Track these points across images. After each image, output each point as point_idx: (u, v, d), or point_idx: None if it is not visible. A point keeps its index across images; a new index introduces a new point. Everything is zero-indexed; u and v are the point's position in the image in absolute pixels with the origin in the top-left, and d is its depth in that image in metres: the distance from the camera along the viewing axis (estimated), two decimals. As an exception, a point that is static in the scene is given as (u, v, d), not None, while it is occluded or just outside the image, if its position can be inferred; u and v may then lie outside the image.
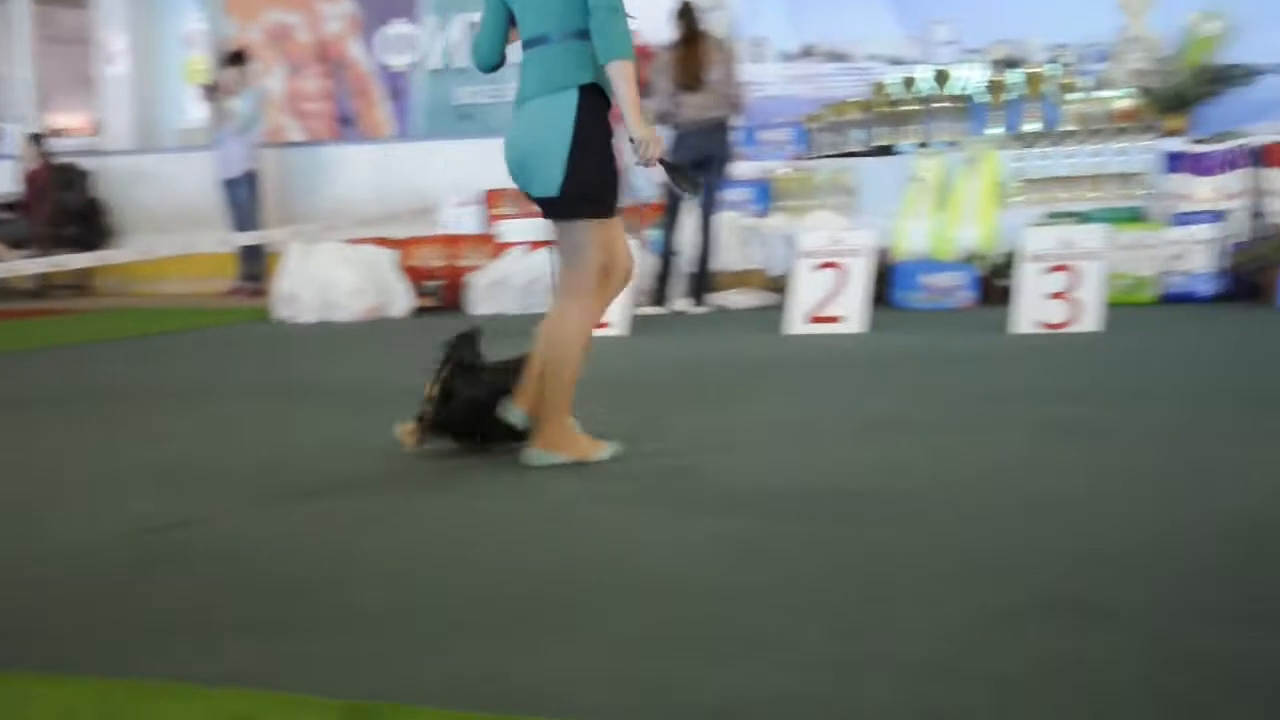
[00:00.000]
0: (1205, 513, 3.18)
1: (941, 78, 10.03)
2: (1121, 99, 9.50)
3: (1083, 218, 8.55)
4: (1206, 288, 7.93)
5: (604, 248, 3.96)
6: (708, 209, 8.52)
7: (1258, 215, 8.23)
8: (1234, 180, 8.28)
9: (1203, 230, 8.00)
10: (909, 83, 10.09)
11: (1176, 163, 8.59)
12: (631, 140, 3.90)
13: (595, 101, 3.89)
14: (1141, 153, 8.83)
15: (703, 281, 8.72)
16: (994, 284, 8.27)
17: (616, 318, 7.43)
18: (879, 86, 10.23)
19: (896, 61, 10.78)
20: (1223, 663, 2.21)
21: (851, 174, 9.60)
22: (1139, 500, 3.36)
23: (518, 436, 4.05)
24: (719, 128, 8.57)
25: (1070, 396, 4.93)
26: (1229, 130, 8.76)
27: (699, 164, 8.16)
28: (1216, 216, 8.14)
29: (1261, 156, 8.30)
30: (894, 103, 10.05)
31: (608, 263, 3.97)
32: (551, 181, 3.90)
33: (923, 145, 9.74)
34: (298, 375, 6.70)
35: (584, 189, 3.90)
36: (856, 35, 11.06)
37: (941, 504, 3.40)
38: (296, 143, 13.23)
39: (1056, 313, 6.94)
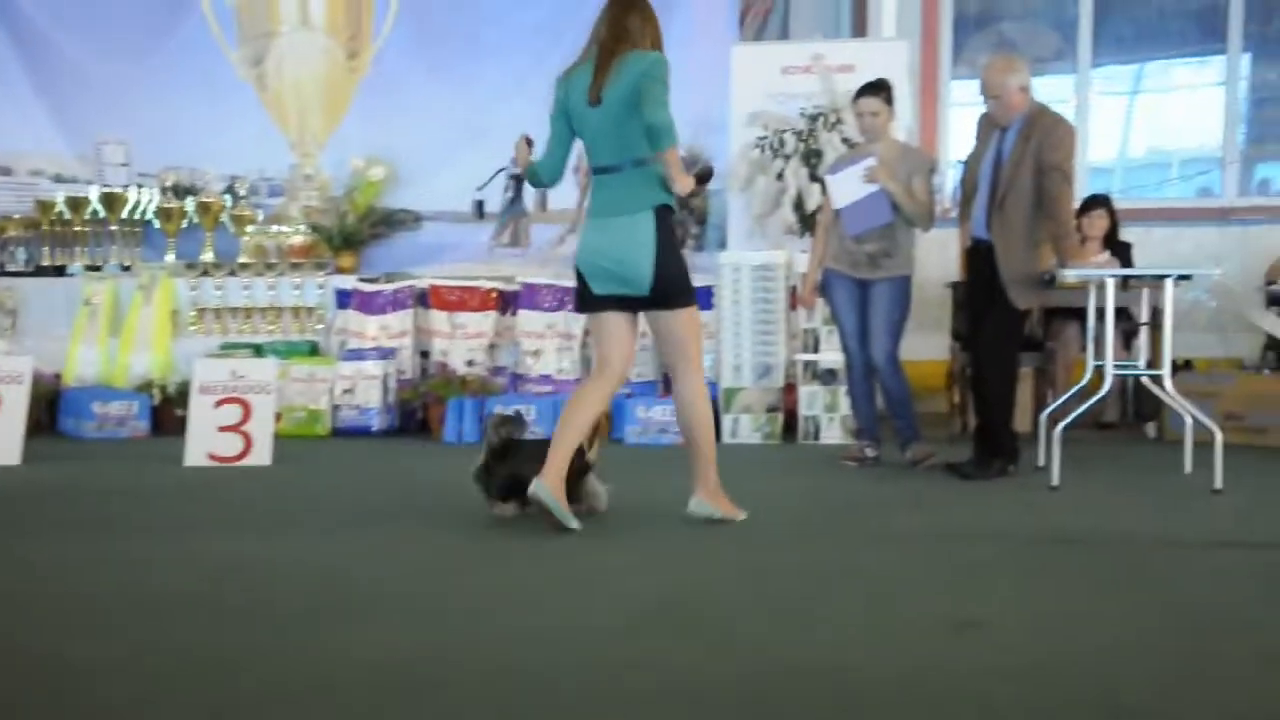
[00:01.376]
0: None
1: (113, 200, 9.69)
2: (295, 235, 9.69)
3: (257, 350, 8.58)
4: (377, 422, 8.20)
5: (696, 331, 4.99)
6: None
7: (423, 354, 8.66)
8: (400, 319, 8.66)
9: (372, 366, 8.29)
10: (77, 203, 9.65)
11: (347, 299, 8.85)
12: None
13: (666, 216, 4.85)
14: (316, 288, 9.02)
15: None
16: (171, 414, 8.03)
17: None
18: (45, 205, 9.67)
19: (63, 179, 10.24)
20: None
21: (13, 294, 8.95)
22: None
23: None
24: None
25: (221, 525, 4.84)
26: (396, 271, 9.20)
27: None
28: (385, 353, 8.46)
29: (426, 297, 8.74)
30: (63, 222, 9.55)
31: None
32: (643, 284, 4.83)
33: (94, 268, 9.32)
34: None
35: (673, 285, 4.86)
36: (17, 149, 10.39)
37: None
38: None
39: (228, 446, 6.83)
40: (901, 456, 6.71)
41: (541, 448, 4.85)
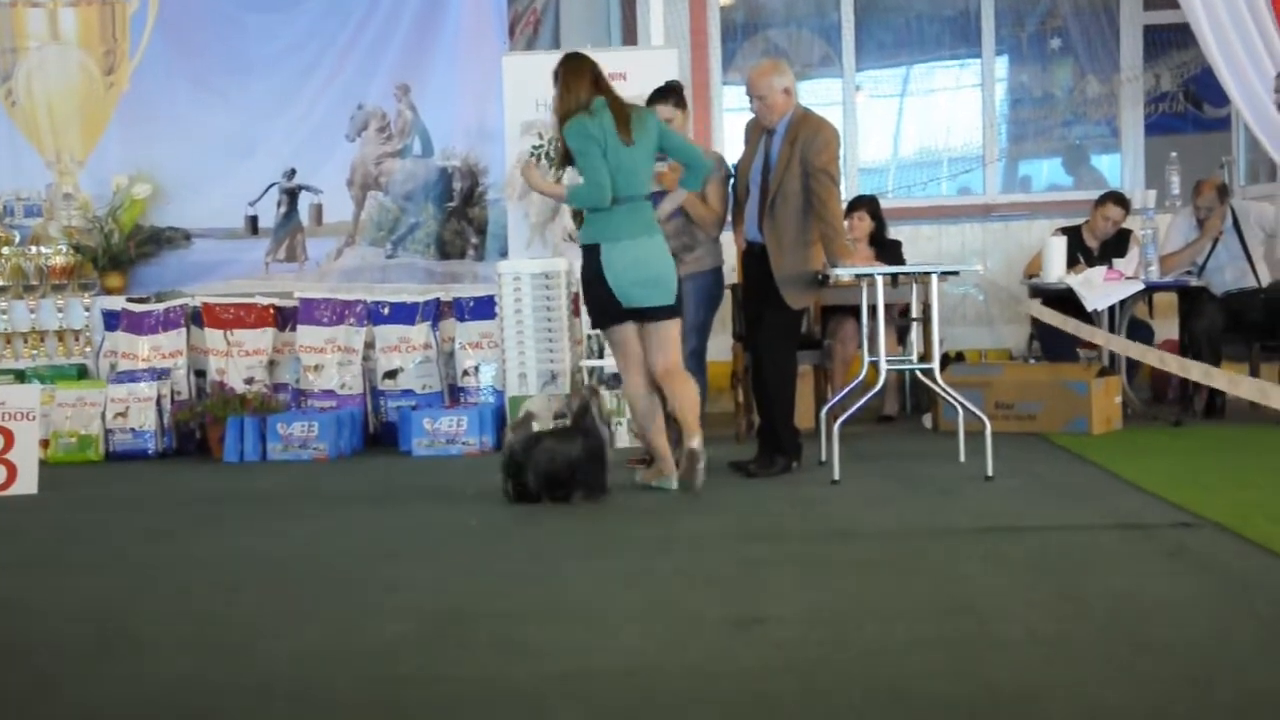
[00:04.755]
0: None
1: None
2: (57, 255, 9.30)
3: (20, 375, 8.22)
4: (154, 444, 7.94)
5: None
6: None
7: (199, 373, 8.40)
8: (173, 338, 8.39)
9: (145, 388, 8.01)
10: None
11: (116, 321, 8.54)
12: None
13: None
14: (81, 310, 8.68)
15: None
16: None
17: None
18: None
19: None
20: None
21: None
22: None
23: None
24: None
25: None
26: (167, 290, 8.92)
27: None
28: (158, 374, 8.19)
29: (199, 316, 8.49)
30: None
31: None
32: (672, 294, 5.91)
33: None
34: None
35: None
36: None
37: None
38: None
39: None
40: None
41: (561, 443, 5.70)
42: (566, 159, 5.95)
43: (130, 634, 3.62)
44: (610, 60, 8.87)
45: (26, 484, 6.55)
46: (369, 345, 8.36)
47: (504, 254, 8.98)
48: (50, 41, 9.92)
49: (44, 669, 3.24)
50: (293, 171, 9.78)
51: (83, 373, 8.52)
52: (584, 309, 6.47)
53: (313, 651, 3.35)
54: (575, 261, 8.08)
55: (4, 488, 6.52)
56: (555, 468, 5.63)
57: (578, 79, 5.84)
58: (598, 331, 7.65)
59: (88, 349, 8.65)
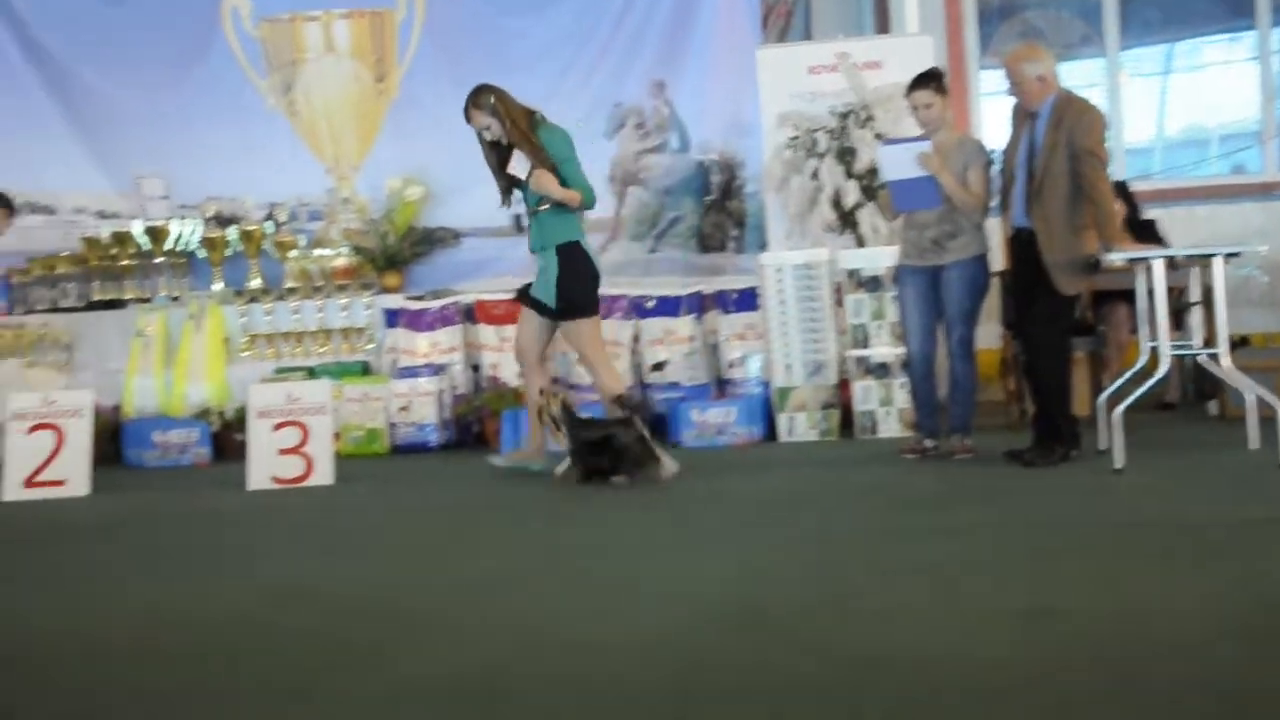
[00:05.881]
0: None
1: (156, 233, 9.80)
2: (339, 257, 9.77)
3: (311, 373, 8.64)
4: (434, 437, 8.27)
5: None
6: None
7: (474, 368, 8.71)
8: (450, 335, 8.71)
9: (425, 382, 8.35)
10: (122, 237, 9.76)
11: (395, 318, 8.91)
12: None
13: None
14: (363, 309, 9.07)
15: None
16: (231, 439, 8.13)
17: None
18: (91, 241, 9.79)
19: (106, 215, 10.35)
20: None
21: (68, 330, 9.05)
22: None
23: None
24: None
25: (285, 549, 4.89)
26: (441, 288, 9.26)
27: None
28: (436, 370, 8.52)
29: (473, 312, 8.79)
30: (110, 257, 9.67)
31: None
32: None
33: (144, 300, 9.43)
34: None
35: None
36: (56, 185, 10.49)
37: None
38: None
39: (290, 468, 6.90)
40: (946, 442, 6.69)
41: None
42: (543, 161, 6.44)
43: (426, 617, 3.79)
44: (864, 49, 8.89)
45: (323, 475, 6.92)
46: (635, 338, 8.51)
47: (764, 246, 9.02)
48: (326, 53, 10.40)
49: (350, 653, 3.43)
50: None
51: (366, 369, 8.91)
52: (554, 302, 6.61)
53: (599, 642, 3.45)
54: (838, 251, 8.13)
55: (302, 479, 6.90)
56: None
57: (509, 97, 6.52)
58: (860, 321, 7.68)
59: (369, 346, 9.05)
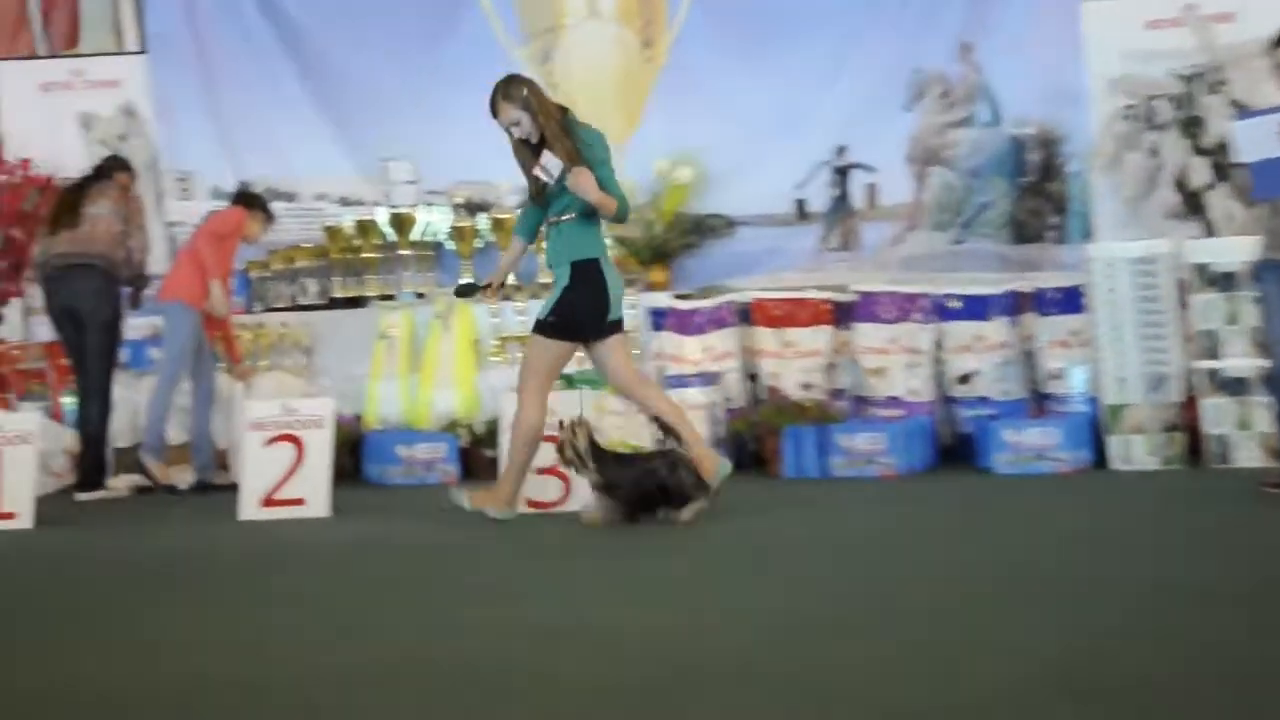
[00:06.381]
0: None
1: (401, 222, 9.95)
2: (607, 249, 9.75)
3: (567, 380, 8.61)
4: (712, 455, 8.13)
5: None
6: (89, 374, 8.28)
7: (751, 377, 8.54)
8: (723, 339, 8.56)
9: (697, 393, 8.21)
10: (366, 227, 9.95)
11: (662, 319, 8.81)
12: None
13: None
14: (627, 308, 8.98)
15: (95, 460, 8.34)
16: (481, 455, 8.18)
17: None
18: (333, 231, 10.02)
19: (349, 202, 10.60)
20: None
21: (308, 330, 9.28)
22: None
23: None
24: (94, 272, 8.21)
25: (545, 586, 4.78)
26: (713, 284, 9.12)
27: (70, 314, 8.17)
28: (708, 379, 8.39)
29: (749, 313, 8.62)
30: (353, 249, 9.87)
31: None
32: None
33: (387, 297, 9.59)
34: None
35: None
36: (300, 170, 10.81)
37: None
38: None
39: (546, 490, 6.84)
40: None
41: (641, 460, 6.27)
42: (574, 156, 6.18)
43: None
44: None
45: (583, 499, 6.83)
46: (937, 345, 8.25)
47: (1090, 236, 8.68)
48: (589, 17, 10.42)
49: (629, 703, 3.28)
50: (843, 148, 9.81)
51: (629, 376, 8.83)
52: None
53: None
54: (1182, 242, 7.69)
55: (560, 503, 6.83)
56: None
57: (542, 91, 6.41)
58: (1210, 326, 7.20)
59: (634, 351, 8.97)
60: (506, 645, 3.95)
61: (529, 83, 6.39)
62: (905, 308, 8.29)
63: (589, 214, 6.23)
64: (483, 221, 10.00)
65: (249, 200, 8.88)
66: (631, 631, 4.16)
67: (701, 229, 9.82)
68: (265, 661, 3.79)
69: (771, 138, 9.93)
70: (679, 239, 9.70)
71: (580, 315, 6.27)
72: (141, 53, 11.08)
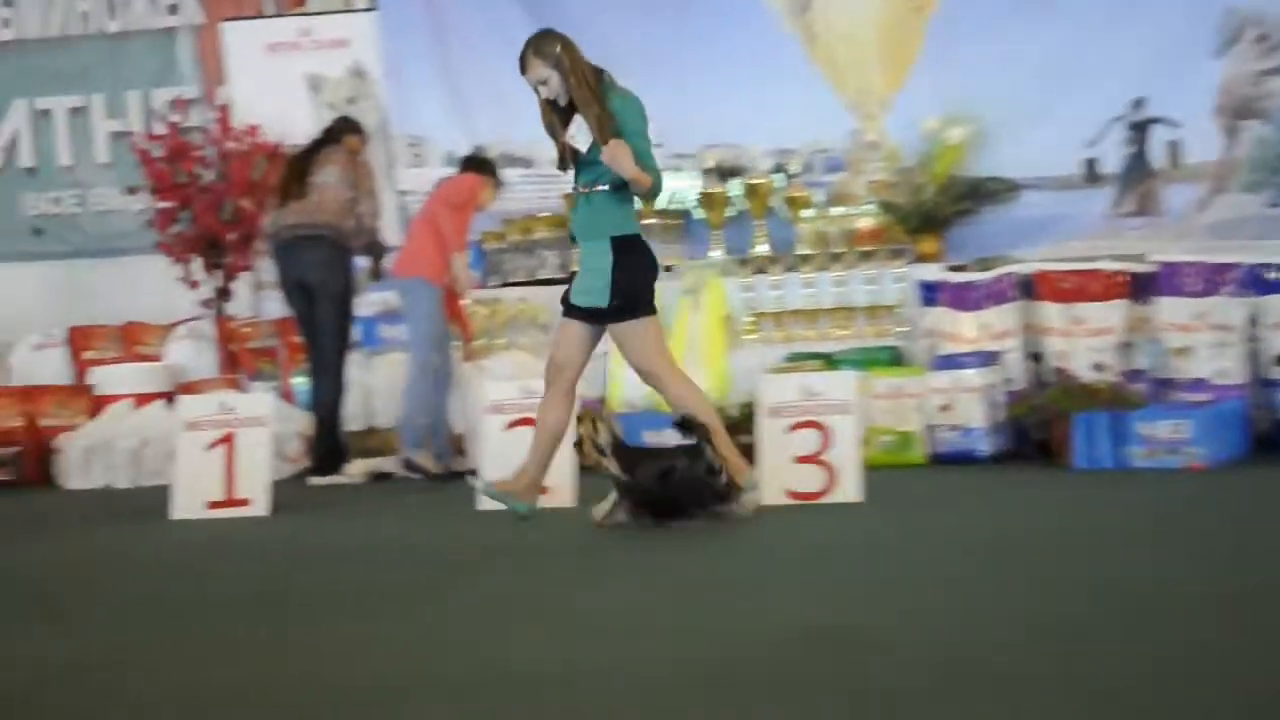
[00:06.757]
0: None
1: (646, 189, 9.96)
2: (863, 217, 9.62)
3: (829, 360, 8.53)
4: (983, 445, 7.97)
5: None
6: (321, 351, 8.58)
7: (1035, 357, 8.34)
8: (1002, 315, 8.39)
9: (973, 375, 8.07)
10: (606, 194, 9.99)
11: (934, 294, 8.68)
12: None
13: None
14: (893, 281, 8.89)
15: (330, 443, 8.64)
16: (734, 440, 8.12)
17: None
18: (572, 198, 10.05)
19: (589, 166, 10.63)
20: None
21: (547, 306, 9.35)
22: None
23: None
24: (323, 243, 8.42)
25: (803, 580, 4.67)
26: (991, 255, 8.93)
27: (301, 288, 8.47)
28: (986, 359, 8.22)
29: (1032, 287, 8.43)
30: (593, 218, 9.92)
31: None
32: None
33: (630, 269, 9.63)
34: None
35: None
36: (535, 135, 10.87)
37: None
38: None
39: (808, 480, 6.75)
40: None
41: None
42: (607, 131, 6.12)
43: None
44: None
45: (848, 490, 6.71)
46: (1251, 321, 7.99)
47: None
48: (852, -41, 10.30)
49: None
50: (1141, 101, 9.52)
51: (897, 357, 8.73)
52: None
53: None
54: None
55: (822, 494, 6.71)
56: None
57: (578, 50, 6.32)
58: None
59: (901, 328, 8.85)
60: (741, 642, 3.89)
61: (563, 39, 6.35)
62: (1214, 280, 8.05)
63: (621, 185, 6.21)
64: (735, 188, 9.94)
65: (480, 165, 9.00)
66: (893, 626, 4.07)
67: (978, 194, 9.62)
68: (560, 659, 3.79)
69: (1057, 90, 9.77)
70: (952, 205, 9.51)
71: (638, 286, 6.36)
72: (371, 9, 11.30)
